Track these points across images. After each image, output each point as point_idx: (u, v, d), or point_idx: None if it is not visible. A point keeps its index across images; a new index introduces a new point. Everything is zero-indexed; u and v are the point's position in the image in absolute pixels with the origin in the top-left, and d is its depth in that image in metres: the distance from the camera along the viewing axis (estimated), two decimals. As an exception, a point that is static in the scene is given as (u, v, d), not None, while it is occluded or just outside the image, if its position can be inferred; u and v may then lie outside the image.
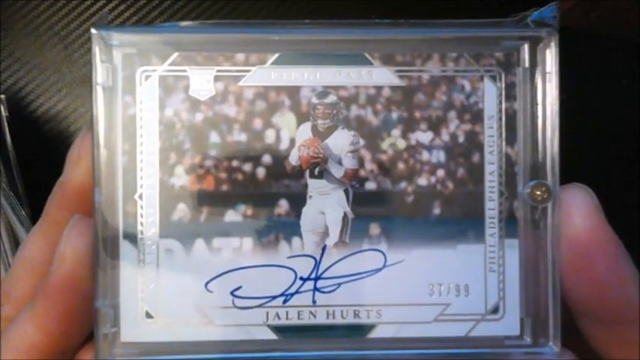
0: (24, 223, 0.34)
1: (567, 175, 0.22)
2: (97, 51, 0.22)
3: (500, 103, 0.23)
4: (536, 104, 0.22)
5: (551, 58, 0.22)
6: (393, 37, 0.23)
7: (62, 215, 0.23)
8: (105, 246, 0.22)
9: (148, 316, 0.22)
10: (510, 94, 0.23)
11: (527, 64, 0.23)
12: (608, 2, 0.35)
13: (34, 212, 0.35)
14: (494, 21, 0.23)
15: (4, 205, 0.34)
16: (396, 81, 0.23)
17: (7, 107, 0.36)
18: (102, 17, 0.22)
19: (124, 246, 0.22)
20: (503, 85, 0.23)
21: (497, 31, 0.23)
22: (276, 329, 0.23)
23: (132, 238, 0.22)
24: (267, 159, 0.23)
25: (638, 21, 0.35)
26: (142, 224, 0.22)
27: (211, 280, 0.22)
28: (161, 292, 0.22)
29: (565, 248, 0.21)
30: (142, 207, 0.22)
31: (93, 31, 0.22)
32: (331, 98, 0.23)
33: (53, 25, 0.37)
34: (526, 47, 0.23)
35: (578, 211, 0.21)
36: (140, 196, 0.22)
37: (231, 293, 0.22)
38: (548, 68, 0.22)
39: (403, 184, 0.23)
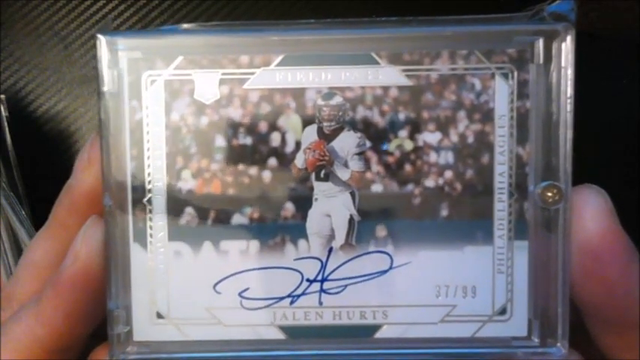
0: (24, 223, 0.34)
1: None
2: (102, 56, 0.22)
3: (512, 101, 0.22)
4: (551, 101, 0.22)
5: (566, 53, 0.21)
6: (400, 35, 0.22)
7: (71, 219, 0.23)
8: (116, 249, 0.22)
9: (159, 316, 0.23)
10: (522, 92, 0.22)
11: (541, 60, 0.22)
12: (608, 2, 0.35)
13: (34, 212, 0.35)
14: (505, 16, 0.22)
15: (4, 205, 0.34)
16: (404, 81, 0.22)
17: (7, 107, 0.35)
18: (106, 23, 0.23)
19: (135, 249, 0.22)
20: (516, 83, 0.22)
21: (509, 26, 0.22)
22: (284, 329, 0.23)
23: (142, 241, 0.22)
24: (272, 162, 0.23)
25: (638, 21, 0.35)
26: (151, 228, 0.22)
27: (219, 281, 0.23)
28: (171, 293, 0.23)
29: (576, 251, 0.21)
30: (150, 211, 0.22)
31: (98, 36, 0.22)
32: (337, 100, 0.22)
33: (53, 25, 0.37)
34: (541, 42, 0.22)
35: (591, 214, 0.21)
36: (149, 201, 0.22)
37: (239, 294, 0.23)
38: (563, 63, 0.21)
39: (410, 187, 0.23)
